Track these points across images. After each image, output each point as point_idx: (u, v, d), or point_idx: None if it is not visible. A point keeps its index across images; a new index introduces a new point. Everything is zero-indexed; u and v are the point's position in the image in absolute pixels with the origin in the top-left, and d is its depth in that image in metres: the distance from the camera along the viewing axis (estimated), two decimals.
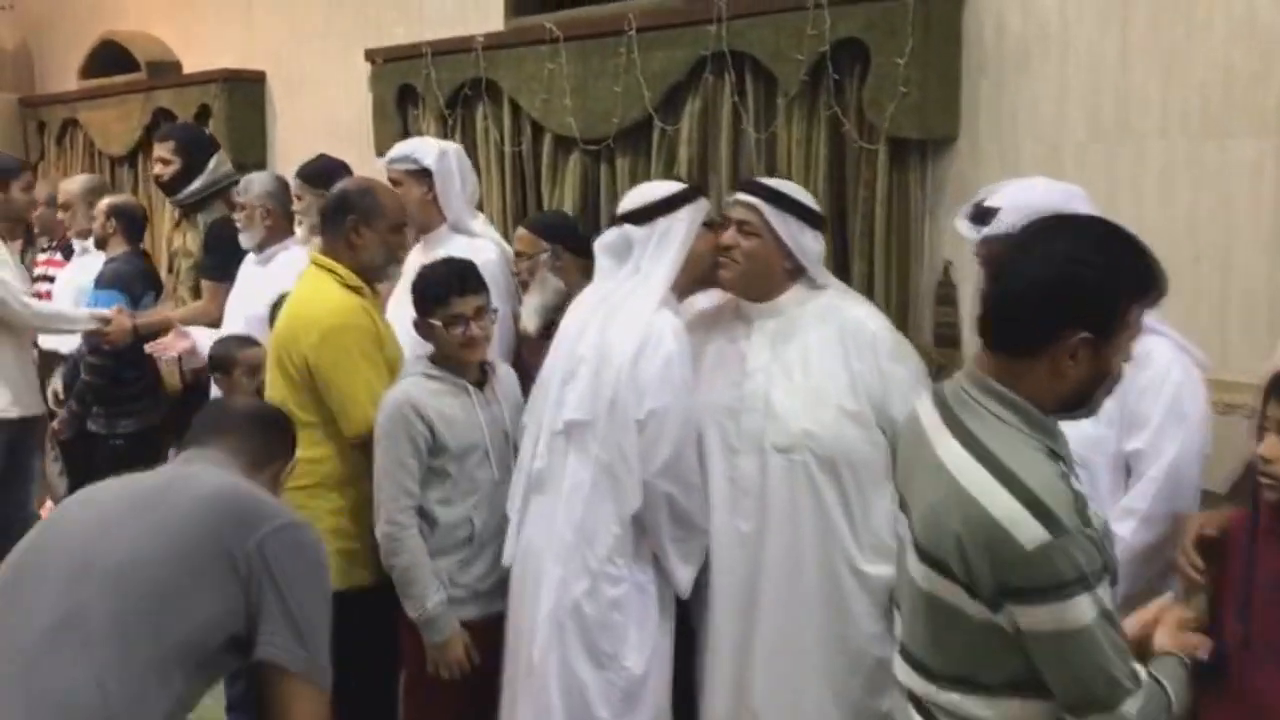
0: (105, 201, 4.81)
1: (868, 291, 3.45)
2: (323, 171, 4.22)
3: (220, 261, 4.56)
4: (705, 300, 3.18)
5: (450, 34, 4.83)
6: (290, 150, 5.88)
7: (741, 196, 3.05)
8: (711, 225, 3.12)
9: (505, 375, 3.35)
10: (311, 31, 5.73)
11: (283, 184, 4.47)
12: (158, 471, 2.29)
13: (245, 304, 4.28)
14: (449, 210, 3.86)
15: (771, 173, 3.70)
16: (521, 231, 3.71)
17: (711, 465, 2.96)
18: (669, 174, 4.00)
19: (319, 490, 3.21)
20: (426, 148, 3.87)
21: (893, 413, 2.80)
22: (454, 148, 3.97)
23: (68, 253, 5.59)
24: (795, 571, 2.88)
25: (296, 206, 4.22)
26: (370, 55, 5.05)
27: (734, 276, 3.02)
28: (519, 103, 4.44)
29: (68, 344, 4.91)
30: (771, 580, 2.90)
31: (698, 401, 2.94)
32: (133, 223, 4.83)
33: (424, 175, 3.82)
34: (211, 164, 4.79)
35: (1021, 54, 3.26)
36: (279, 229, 4.41)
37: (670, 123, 3.94)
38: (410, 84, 4.88)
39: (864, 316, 3.01)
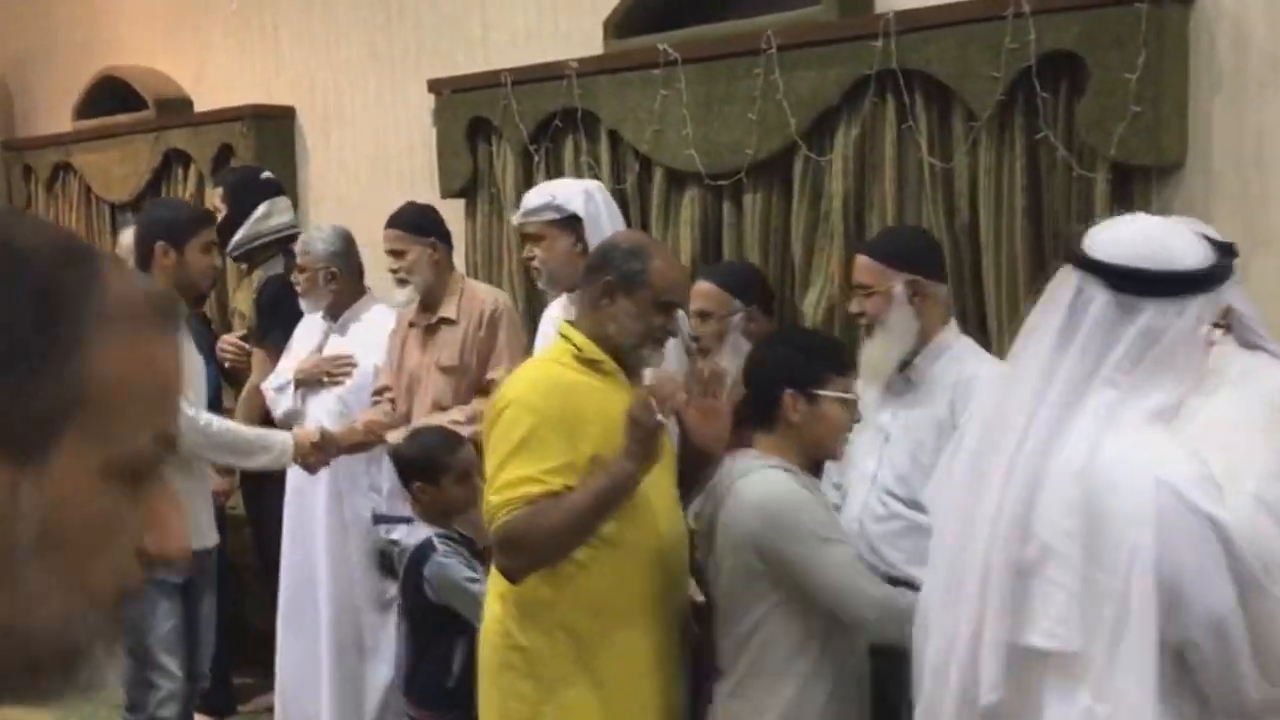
0: (127, 238, 4.21)
1: None
2: (427, 218, 3.71)
3: (272, 325, 4.01)
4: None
5: (526, 60, 4.35)
6: (325, 192, 5.35)
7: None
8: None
9: None
10: (350, 62, 5.20)
11: (348, 240, 3.93)
12: None
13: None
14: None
15: (951, 208, 3.25)
16: (705, 286, 3.15)
17: None
18: (814, 211, 3.54)
19: None
20: (569, 191, 3.33)
21: None
22: (596, 186, 3.45)
23: None
24: None
25: (399, 263, 3.60)
26: (435, 86, 4.54)
27: None
28: (622, 134, 3.96)
29: None
30: None
31: None
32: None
33: (571, 224, 3.26)
34: (258, 211, 4.22)
35: (1268, 69, 2.84)
36: (348, 291, 3.87)
37: (819, 153, 3.48)
38: (484, 116, 4.38)
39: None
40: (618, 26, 4.01)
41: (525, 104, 4.22)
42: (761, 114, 3.55)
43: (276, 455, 3.36)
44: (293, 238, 4.22)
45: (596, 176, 4.05)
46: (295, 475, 3.62)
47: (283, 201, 4.32)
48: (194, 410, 3.18)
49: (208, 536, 3.46)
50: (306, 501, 3.71)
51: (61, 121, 6.70)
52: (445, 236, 3.70)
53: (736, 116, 3.62)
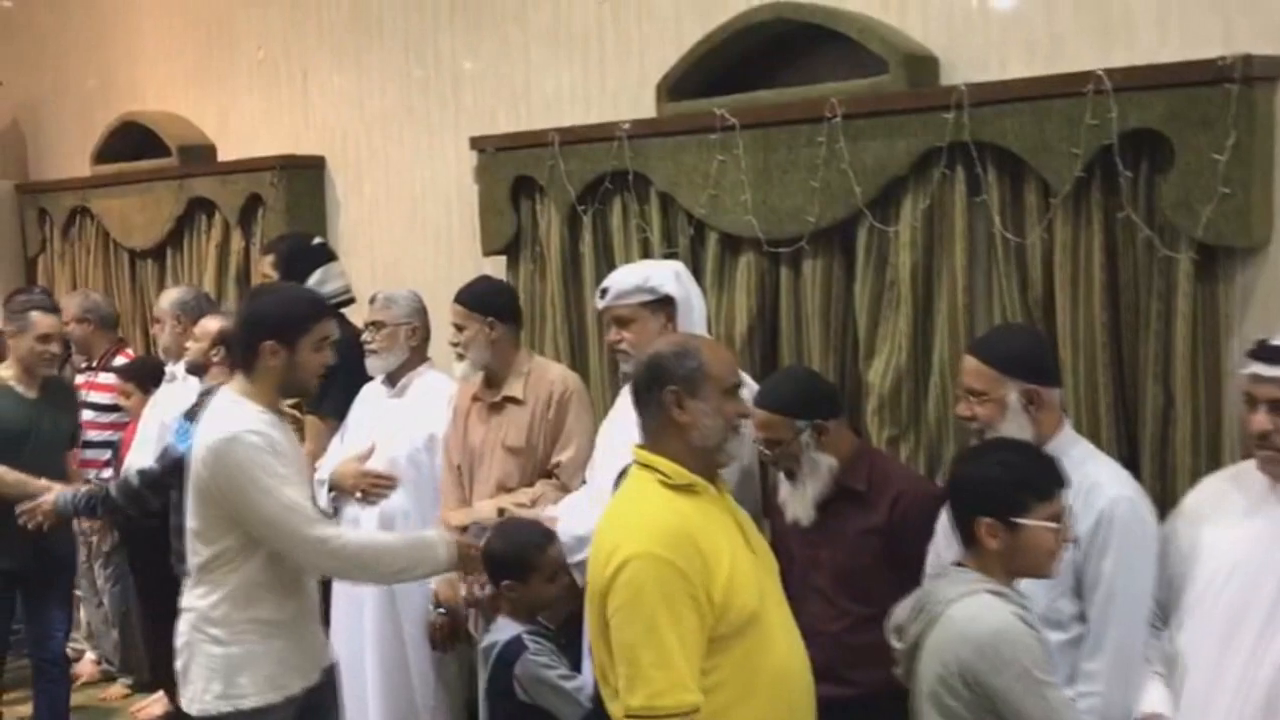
0: (214, 324, 4.08)
1: (1164, 420, 2.98)
2: (491, 296, 3.64)
3: (327, 392, 3.92)
4: None
5: (569, 120, 4.30)
6: (356, 244, 5.29)
7: None
8: None
9: None
10: (385, 114, 5.15)
11: (422, 302, 3.87)
12: None
13: (384, 443, 3.65)
14: (692, 324, 3.22)
15: (1024, 282, 3.21)
16: (763, 415, 2.89)
17: None
18: (879, 280, 3.50)
19: None
20: (662, 274, 3.24)
21: None
22: (680, 266, 3.37)
23: (114, 372, 4.92)
24: None
25: (457, 338, 3.53)
26: (477, 143, 4.49)
27: None
28: (675, 198, 3.90)
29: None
30: None
31: None
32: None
33: (662, 305, 3.18)
34: (313, 278, 4.14)
35: None
36: (419, 353, 3.80)
37: (885, 222, 3.43)
38: (529, 175, 4.33)
39: None
40: (671, 90, 3.96)
41: (573, 164, 4.16)
42: (824, 181, 3.51)
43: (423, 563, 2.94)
44: (345, 304, 4.15)
45: (647, 239, 4.01)
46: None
47: (336, 267, 4.25)
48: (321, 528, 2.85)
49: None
50: None
51: (78, 165, 6.63)
52: (508, 315, 3.60)
53: (798, 183, 3.58)
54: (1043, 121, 3.09)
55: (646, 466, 2.38)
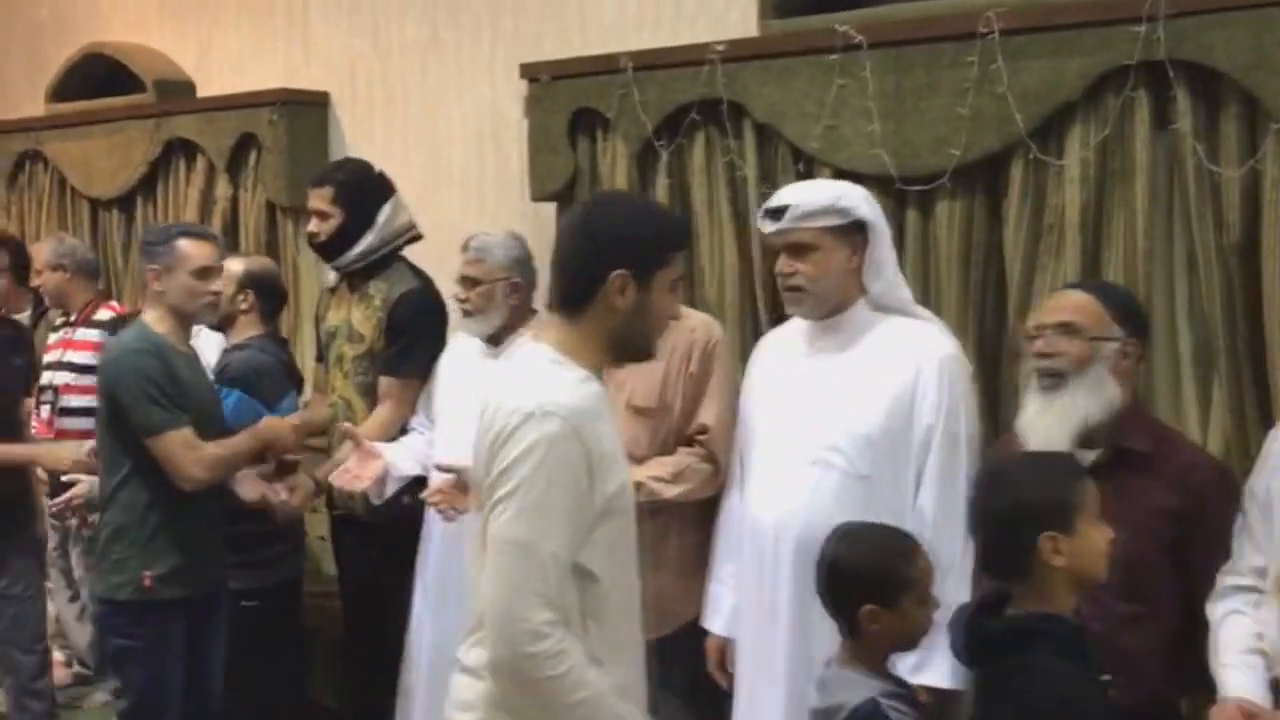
0: (238, 267, 3.50)
1: None
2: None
3: (411, 349, 3.36)
4: None
5: (637, 45, 3.79)
6: None
7: None
8: None
9: None
10: (404, 44, 4.57)
11: (527, 247, 3.32)
12: None
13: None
14: (879, 278, 2.67)
15: (1219, 224, 2.78)
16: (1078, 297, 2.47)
17: None
18: (1036, 222, 3.05)
19: None
20: (854, 193, 2.69)
21: None
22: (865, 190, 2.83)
23: (96, 327, 4.28)
24: None
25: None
26: (531, 71, 3.94)
27: None
28: (779, 130, 3.41)
29: None
30: None
31: None
32: (271, 297, 3.54)
33: (852, 232, 2.64)
34: (382, 215, 3.55)
35: None
36: (523, 309, 3.25)
37: (1050, 154, 2.98)
38: (591, 108, 3.80)
39: None
40: (777, 5, 3.46)
41: (650, 93, 3.65)
42: (974, 108, 3.04)
43: None
44: (415, 239, 3.59)
45: (742, 178, 3.52)
46: (442, 535, 2.99)
47: (400, 199, 3.66)
48: None
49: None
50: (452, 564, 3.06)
51: (26, 105, 5.93)
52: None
53: (939, 110, 3.11)
54: (1262, 35, 2.66)
55: None
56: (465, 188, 4.42)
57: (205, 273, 3.15)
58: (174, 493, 3.04)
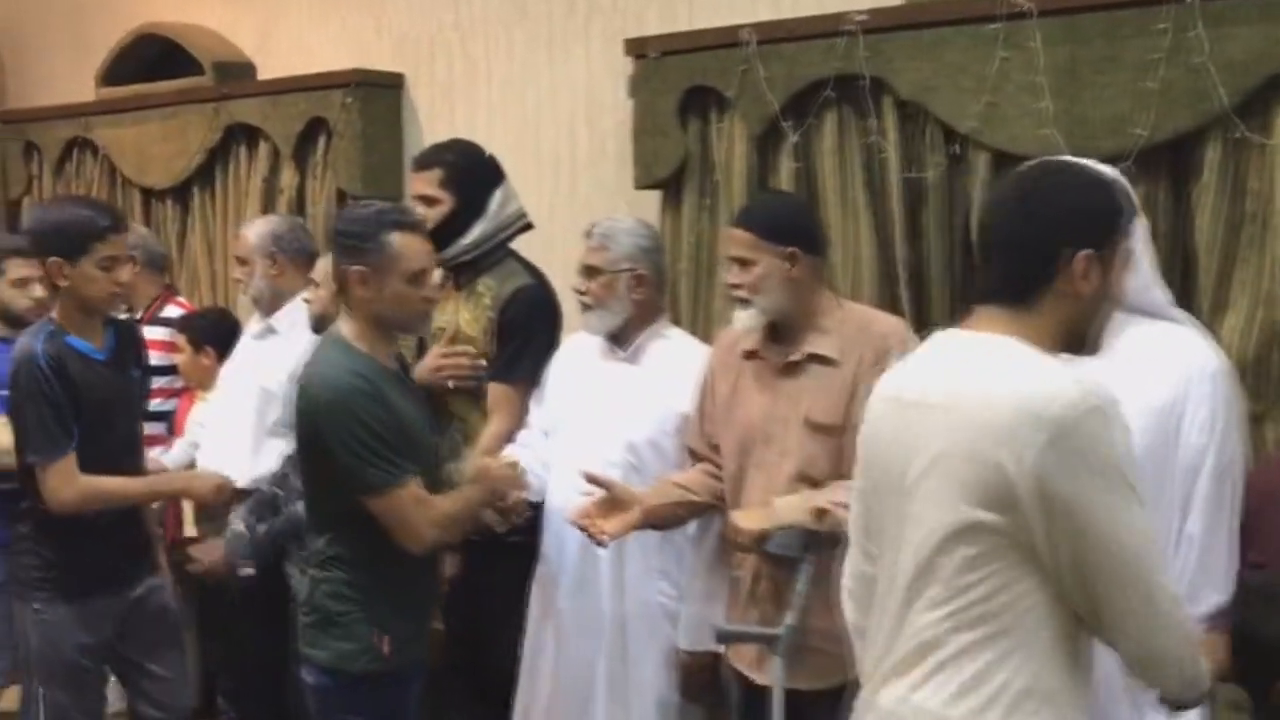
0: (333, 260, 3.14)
1: None
2: (791, 216, 2.68)
3: (523, 352, 3.04)
4: None
5: (755, 18, 3.46)
6: None
7: None
8: None
9: None
10: (487, 19, 4.25)
11: (658, 236, 3.00)
12: None
13: (616, 420, 2.80)
14: (1136, 275, 2.21)
15: None
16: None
17: None
18: (1235, 209, 2.72)
19: None
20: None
21: None
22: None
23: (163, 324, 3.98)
24: None
25: (743, 276, 2.53)
26: (638, 47, 3.62)
27: None
28: (928, 108, 3.09)
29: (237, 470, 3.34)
30: None
31: None
32: None
33: None
34: (494, 201, 3.22)
35: None
36: (651, 306, 2.93)
37: (1257, 132, 2.65)
38: (708, 86, 3.48)
39: None
40: None
41: (775, 68, 3.33)
42: (1165, 81, 2.72)
43: None
44: (522, 231, 3.27)
45: (882, 161, 3.20)
46: (573, 556, 2.68)
47: (509, 185, 3.33)
48: None
49: None
50: (582, 590, 2.76)
51: (73, 89, 5.62)
52: (814, 245, 2.62)
53: (1122, 84, 2.78)
54: None
55: None
56: (555, 176, 4.10)
57: (421, 277, 2.58)
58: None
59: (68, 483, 2.86)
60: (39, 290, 3.43)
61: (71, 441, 2.86)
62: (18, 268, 3.49)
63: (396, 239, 2.53)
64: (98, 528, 2.97)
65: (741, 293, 2.52)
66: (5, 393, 3.03)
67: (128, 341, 3.13)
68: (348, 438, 2.42)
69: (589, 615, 2.81)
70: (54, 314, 2.96)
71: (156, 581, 3.18)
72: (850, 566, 1.92)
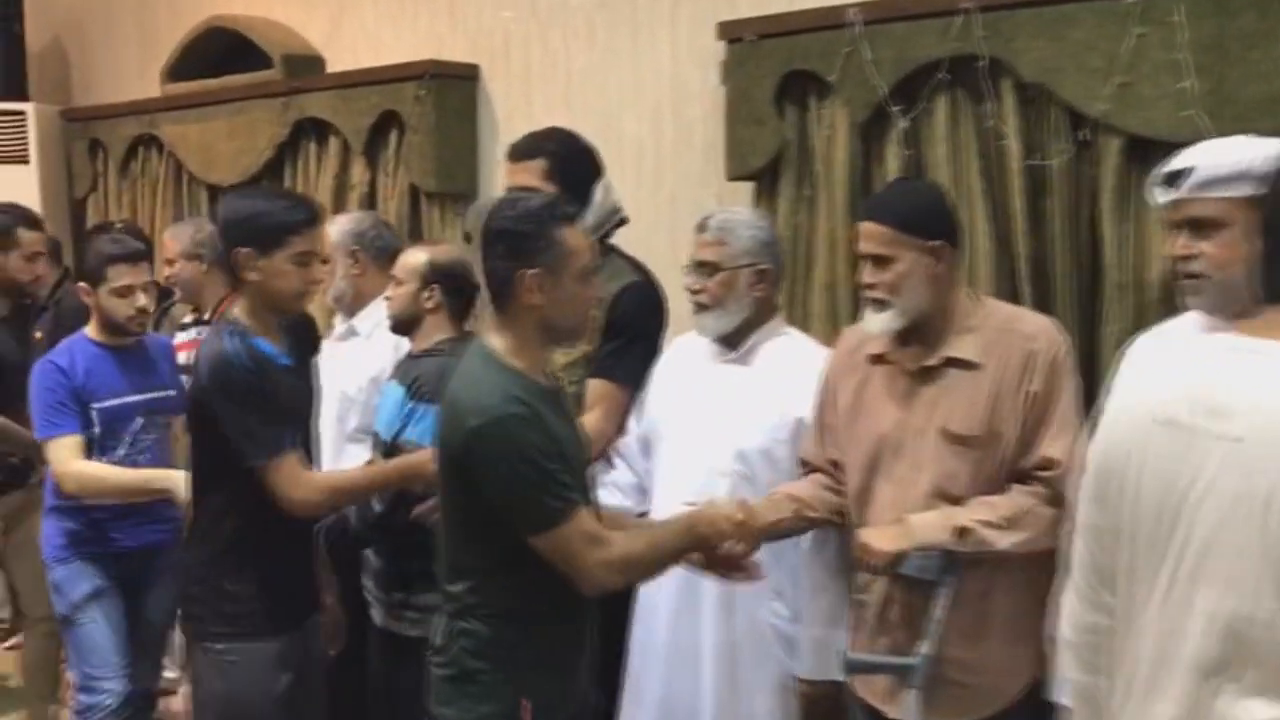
0: (421, 257, 2.90)
1: None
2: (931, 208, 2.36)
3: (628, 351, 2.84)
4: None
5: None
6: None
7: None
8: None
9: None
10: (567, 7, 4.07)
11: (772, 227, 2.79)
12: None
13: (729, 427, 2.58)
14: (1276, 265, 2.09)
15: None
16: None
17: None
18: None
19: None
20: (1257, 151, 2.02)
21: None
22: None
23: None
24: None
25: (876, 278, 2.27)
26: (732, 30, 3.42)
27: None
28: (1053, 90, 2.86)
29: None
30: None
31: None
32: (460, 293, 2.93)
33: (1250, 206, 1.95)
34: (598, 193, 3.02)
35: None
36: (769, 304, 2.71)
37: None
38: (808, 70, 3.27)
39: None
40: None
41: (883, 50, 3.12)
42: None
43: None
44: (619, 225, 3.08)
45: (1001, 147, 2.97)
46: (676, 583, 2.48)
47: (608, 179, 3.13)
48: None
49: None
50: (687, 612, 2.56)
51: (138, 86, 5.52)
52: (954, 239, 2.35)
53: (1276, 62, 2.55)
54: None
55: None
56: (639, 168, 3.91)
57: (590, 274, 2.23)
58: (559, 594, 2.15)
59: (302, 481, 2.54)
60: (142, 299, 3.27)
61: (292, 439, 2.59)
62: (121, 275, 3.28)
63: (568, 234, 2.18)
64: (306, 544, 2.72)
65: (878, 293, 2.25)
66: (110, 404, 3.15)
67: (306, 346, 2.87)
68: (508, 471, 2.08)
69: (694, 640, 2.60)
70: (235, 312, 2.65)
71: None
72: (1074, 618, 1.65)
